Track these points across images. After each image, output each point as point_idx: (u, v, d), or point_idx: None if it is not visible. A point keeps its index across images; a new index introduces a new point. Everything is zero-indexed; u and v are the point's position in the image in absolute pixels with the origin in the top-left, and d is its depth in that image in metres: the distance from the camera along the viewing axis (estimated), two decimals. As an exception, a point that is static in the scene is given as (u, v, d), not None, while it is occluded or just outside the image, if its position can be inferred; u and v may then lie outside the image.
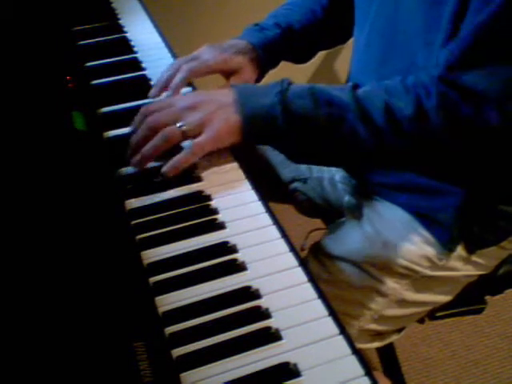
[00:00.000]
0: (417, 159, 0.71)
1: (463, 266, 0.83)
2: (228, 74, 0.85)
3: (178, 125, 0.67)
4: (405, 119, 0.65)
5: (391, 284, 0.82)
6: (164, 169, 0.68)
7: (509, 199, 0.80)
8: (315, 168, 1.00)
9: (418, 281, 0.83)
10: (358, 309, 0.83)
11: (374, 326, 0.86)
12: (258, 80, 0.90)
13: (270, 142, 0.70)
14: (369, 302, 0.83)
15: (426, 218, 0.81)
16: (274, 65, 0.93)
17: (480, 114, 0.64)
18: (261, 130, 0.68)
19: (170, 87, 0.80)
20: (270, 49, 0.88)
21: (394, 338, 0.91)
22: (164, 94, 0.81)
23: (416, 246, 0.81)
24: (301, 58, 0.97)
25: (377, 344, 0.90)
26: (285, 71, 1.08)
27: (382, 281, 0.82)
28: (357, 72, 0.88)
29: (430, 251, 0.81)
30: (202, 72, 0.82)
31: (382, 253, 0.82)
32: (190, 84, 0.85)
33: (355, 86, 0.69)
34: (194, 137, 0.68)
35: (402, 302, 0.84)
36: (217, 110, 0.67)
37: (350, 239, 0.85)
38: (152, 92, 0.82)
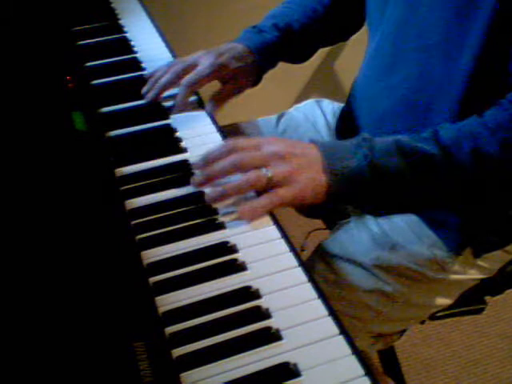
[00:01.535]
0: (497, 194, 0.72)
1: (468, 270, 0.83)
2: (223, 79, 0.85)
3: (264, 171, 0.64)
4: (495, 162, 0.65)
5: (398, 287, 0.81)
6: (240, 209, 0.65)
7: None
8: None
9: (425, 284, 0.82)
10: (364, 311, 0.82)
11: (380, 329, 0.85)
12: (255, 83, 0.90)
13: (353, 203, 0.70)
14: (376, 305, 0.82)
15: (434, 221, 0.81)
16: (273, 66, 0.93)
17: None
18: (347, 191, 0.66)
19: (176, 106, 0.81)
20: (268, 51, 0.88)
21: (396, 341, 0.91)
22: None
23: (424, 249, 0.80)
24: (300, 57, 0.97)
25: (380, 346, 0.89)
26: (285, 71, 1.08)
27: (390, 283, 0.81)
28: (364, 77, 0.88)
29: (438, 254, 0.80)
30: (200, 84, 0.82)
31: (389, 255, 0.81)
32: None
33: (435, 133, 0.67)
34: (276, 187, 0.65)
35: (408, 305, 0.83)
36: (306, 166, 0.65)
37: (357, 241, 0.84)
38: (149, 95, 0.83)
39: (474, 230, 0.79)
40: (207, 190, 0.67)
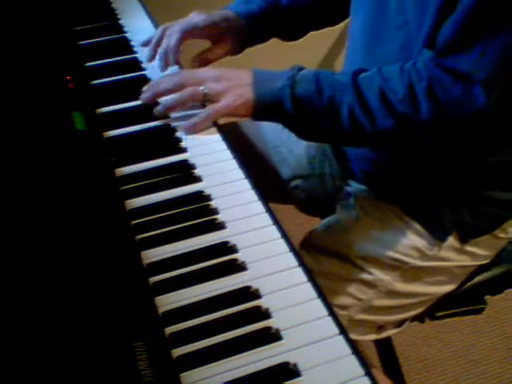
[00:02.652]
0: (405, 141, 0.75)
1: (457, 257, 0.83)
2: (214, 39, 0.90)
3: (201, 87, 0.75)
4: (397, 101, 0.69)
5: (380, 275, 0.83)
6: (184, 126, 0.77)
7: (498, 185, 0.81)
8: (317, 165, 1.00)
9: (408, 271, 0.83)
10: (346, 299, 0.84)
11: (363, 317, 0.86)
12: (239, 51, 0.94)
13: (276, 121, 0.76)
14: (357, 293, 0.84)
15: (413, 208, 0.82)
16: (263, 39, 0.96)
17: (468, 96, 0.66)
18: (270, 109, 0.74)
19: (168, 51, 0.86)
20: (255, 21, 0.92)
21: (392, 332, 0.91)
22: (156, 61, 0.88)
23: (404, 237, 0.82)
24: (289, 35, 0.99)
25: (373, 336, 0.90)
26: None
27: (371, 272, 0.83)
28: (349, 63, 0.89)
29: (420, 241, 0.82)
30: (193, 33, 0.87)
31: (370, 245, 0.83)
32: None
33: (359, 71, 0.73)
34: (212, 102, 0.76)
35: (393, 293, 0.84)
36: (236, 86, 0.75)
37: (339, 232, 0.86)
38: (147, 54, 0.89)
39: (455, 214, 0.80)
40: (158, 106, 0.79)
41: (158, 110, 0.79)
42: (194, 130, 0.77)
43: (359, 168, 0.89)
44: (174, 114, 0.80)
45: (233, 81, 0.76)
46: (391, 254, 0.82)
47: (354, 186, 0.91)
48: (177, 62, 0.87)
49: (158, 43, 0.87)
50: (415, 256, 0.82)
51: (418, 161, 0.81)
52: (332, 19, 1.00)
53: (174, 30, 0.86)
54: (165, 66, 0.87)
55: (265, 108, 0.75)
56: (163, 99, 0.79)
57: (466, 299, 0.91)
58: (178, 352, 0.53)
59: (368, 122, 0.71)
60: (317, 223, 1.04)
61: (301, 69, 0.75)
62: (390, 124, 0.70)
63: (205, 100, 0.77)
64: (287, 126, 0.76)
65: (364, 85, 0.71)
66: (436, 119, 0.68)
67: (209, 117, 0.77)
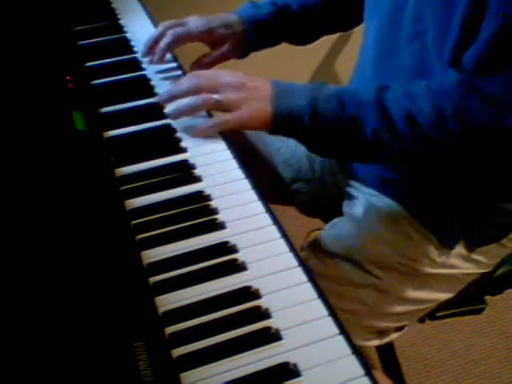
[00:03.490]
0: (430, 161, 0.73)
1: (463, 264, 0.83)
2: (211, 44, 0.90)
3: (215, 95, 0.72)
4: (425, 124, 0.67)
5: (390, 281, 0.82)
6: (193, 129, 0.75)
7: (507, 196, 0.80)
8: (318, 168, 1.00)
9: (418, 278, 0.83)
10: (355, 305, 0.83)
11: (372, 323, 0.86)
12: (242, 55, 0.94)
13: (291, 136, 0.74)
14: (367, 299, 0.83)
15: (424, 216, 0.81)
16: (271, 43, 0.95)
17: (497, 120, 0.64)
18: (288, 126, 0.71)
19: (156, 52, 0.87)
20: (261, 25, 0.91)
21: (393, 336, 0.91)
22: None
23: (415, 243, 0.81)
24: (299, 40, 0.98)
25: (376, 342, 0.90)
26: (285, 71, 1.08)
27: (381, 278, 0.82)
28: (360, 69, 0.88)
29: (430, 248, 0.81)
30: (185, 39, 0.88)
31: (380, 250, 0.82)
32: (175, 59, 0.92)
33: (382, 88, 0.70)
34: (224, 111, 0.73)
35: (402, 299, 0.84)
36: (254, 97, 0.71)
37: (348, 237, 0.85)
38: (141, 50, 0.90)
39: (465, 222, 0.80)
40: (168, 107, 0.78)
41: (169, 113, 0.78)
42: (195, 135, 0.76)
43: (370, 173, 0.88)
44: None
45: (251, 91, 0.72)
46: (402, 260, 0.82)
47: (360, 190, 0.90)
48: (162, 61, 0.89)
49: (155, 41, 0.89)
50: (426, 263, 0.82)
51: (433, 171, 0.80)
52: (345, 24, 1.00)
53: (169, 33, 0.87)
54: (151, 61, 0.89)
55: (282, 123, 0.71)
56: (176, 103, 0.77)
57: (466, 299, 0.91)
58: (178, 352, 0.53)
59: (394, 143, 0.69)
60: (317, 223, 1.05)
61: (322, 85, 0.72)
62: (417, 146, 0.69)
63: (218, 109, 0.73)
64: (303, 141, 0.74)
65: (390, 106, 0.68)
66: (464, 142, 0.67)
67: (216, 126, 0.74)
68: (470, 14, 0.64)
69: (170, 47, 0.88)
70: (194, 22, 0.88)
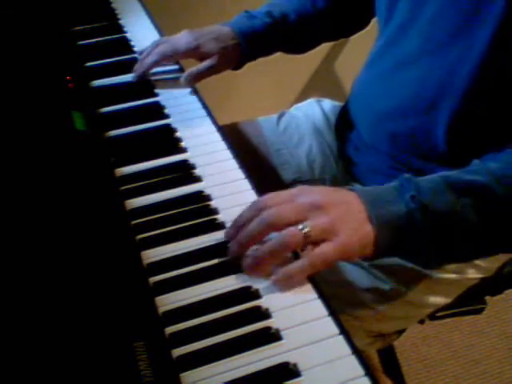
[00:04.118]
0: None
1: (467, 269, 0.83)
2: (200, 60, 0.88)
3: (300, 227, 0.56)
4: None
5: (396, 285, 0.82)
6: (274, 277, 0.57)
7: None
8: (317, 169, 1.00)
9: (423, 283, 0.82)
10: (362, 310, 0.83)
11: (378, 328, 0.85)
12: (236, 67, 0.92)
13: (404, 253, 0.63)
14: (374, 303, 0.82)
15: None
16: (266, 54, 0.94)
17: None
18: (397, 240, 0.58)
19: (137, 69, 0.87)
20: (256, 38, 0.89)
21: (395, 340, 0.91)
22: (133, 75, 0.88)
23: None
24: (297, 49, 0.97)
25: (379, 345, 0.89)
26: (286, 71, 1.08)
27: (387, 282, 0.81)
28: (367, 77, 0.87)
29: None
30: (172, 58, 0.87)
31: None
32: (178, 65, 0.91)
33: (489, 163, 0.61)
34: (316, 243, 0.56)
35: (407, 304, 0.84)
36: (347, 215, 0.56)
37: None
38: (136, 74, 0.88)
39: None
40: (245, 260, 0.58)
41: (245, 268, 0.58)
42: (289, 285, 0.57)
43: (371, 175, 0.87)
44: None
45: (341, 207, 0.57)
46: (407, 264, 0.81)
47: None
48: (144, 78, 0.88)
49: (143, 59, 0.88)
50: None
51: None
52: (346, 30, 0.98)
53: (154, 52, 0.86)
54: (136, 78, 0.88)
55: (389, 241, 0.57)
56: (250, 251, 0.58)
57: (466, 299, 0.91)
58: (178, 352, 0.53)
59: None
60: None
61: (414, 180, 0.59)
62: None
63: (307, 243, 0.56)
64: (415, 256, 0.65)
65: (507, 179, 0.59)
66: None
67: (313, 267, 0.56)
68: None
69: (153, 66, 0.87)
70: (183, 39, 0.86)
